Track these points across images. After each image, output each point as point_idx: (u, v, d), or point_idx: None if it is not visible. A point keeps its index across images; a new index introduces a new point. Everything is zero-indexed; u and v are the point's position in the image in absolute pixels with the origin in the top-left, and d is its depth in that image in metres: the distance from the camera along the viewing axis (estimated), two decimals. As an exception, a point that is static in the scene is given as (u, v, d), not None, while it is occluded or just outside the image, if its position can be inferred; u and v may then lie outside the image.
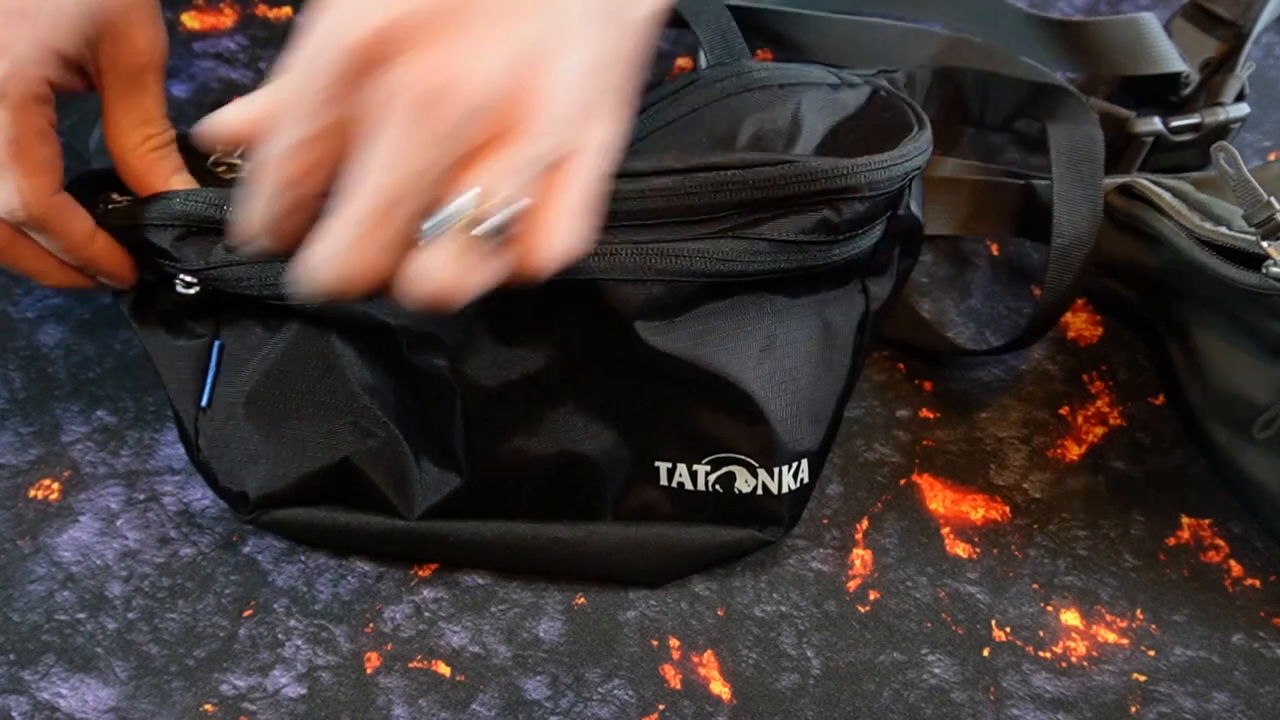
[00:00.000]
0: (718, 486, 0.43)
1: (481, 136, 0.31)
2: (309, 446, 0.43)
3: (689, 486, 0.43)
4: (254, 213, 0.34)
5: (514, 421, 0.42)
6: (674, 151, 0.41)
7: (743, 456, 0.42)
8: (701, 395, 0.41)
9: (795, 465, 0.42)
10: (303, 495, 0.43)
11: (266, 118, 0.33)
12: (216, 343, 0.43)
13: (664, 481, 0.43)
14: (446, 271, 0.31)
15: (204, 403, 0.43)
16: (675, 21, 0.50)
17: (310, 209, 0.33)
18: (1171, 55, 0.56)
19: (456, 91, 0.31)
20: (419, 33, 0.31)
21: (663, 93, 0.45)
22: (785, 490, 0.43)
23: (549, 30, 0.32)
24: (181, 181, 0.42)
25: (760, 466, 0.42)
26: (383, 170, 0.31)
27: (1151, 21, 0.55)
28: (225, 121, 0.34)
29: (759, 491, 0.43)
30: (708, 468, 0.42)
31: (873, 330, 0.44)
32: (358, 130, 0.31)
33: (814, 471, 0.43)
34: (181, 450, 0.47)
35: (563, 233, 0.32)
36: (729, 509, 0.43)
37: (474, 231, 0.31)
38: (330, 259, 0.32)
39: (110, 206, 0.42)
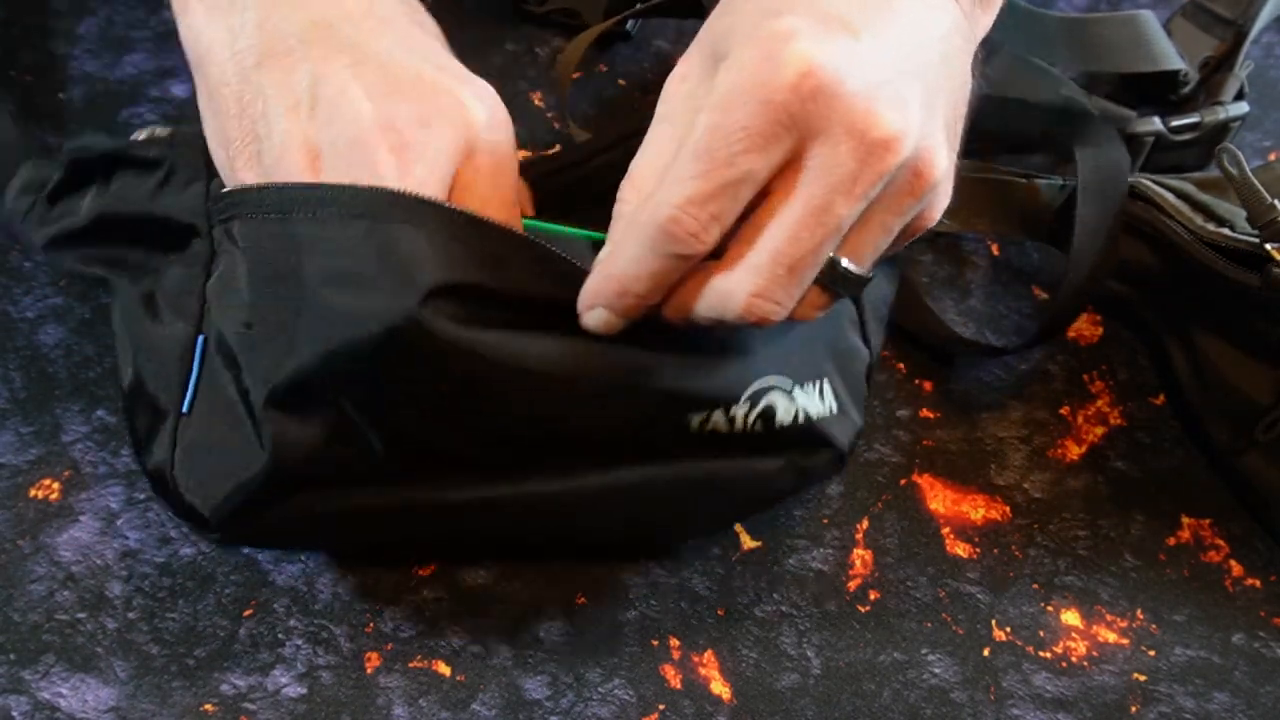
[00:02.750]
0: (758, 425, 0.39)
1: (889, 191, 0.33)
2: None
3: (724, 430, 0.39)
4: (637, 270, 0.34)
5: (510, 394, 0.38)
6: None
7: (777, 376, 0.39)
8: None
9: (820, 383, 0.40)
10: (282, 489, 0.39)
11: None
12: (200, 337, 0.40)
13: (695, 430, 0.39)
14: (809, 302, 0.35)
15: (185, 408, 0.40)
16: (692, 11, 0.50)
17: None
18: (1170, 53, 0.56)
19: (895, 144, 0.32)
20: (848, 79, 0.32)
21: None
22: (828, 414, 0.40)
23: (931, 85, 0.34)
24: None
25: (795, 383, 0.39)
26: (837, 205, 0.32)
27: (1150, 19, 0.55)
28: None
29: (800, 420, 0.39)
30: (745, 406, 0.39)
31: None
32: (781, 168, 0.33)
33: (849, 406, 0.41)
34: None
35: None
36: (769, 445, 0.40)
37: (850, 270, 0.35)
38: (774, 302, 0.33)
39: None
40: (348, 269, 0.36)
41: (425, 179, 0.36)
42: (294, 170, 0.37)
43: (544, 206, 0.43)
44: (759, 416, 0.39)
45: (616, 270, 0.35)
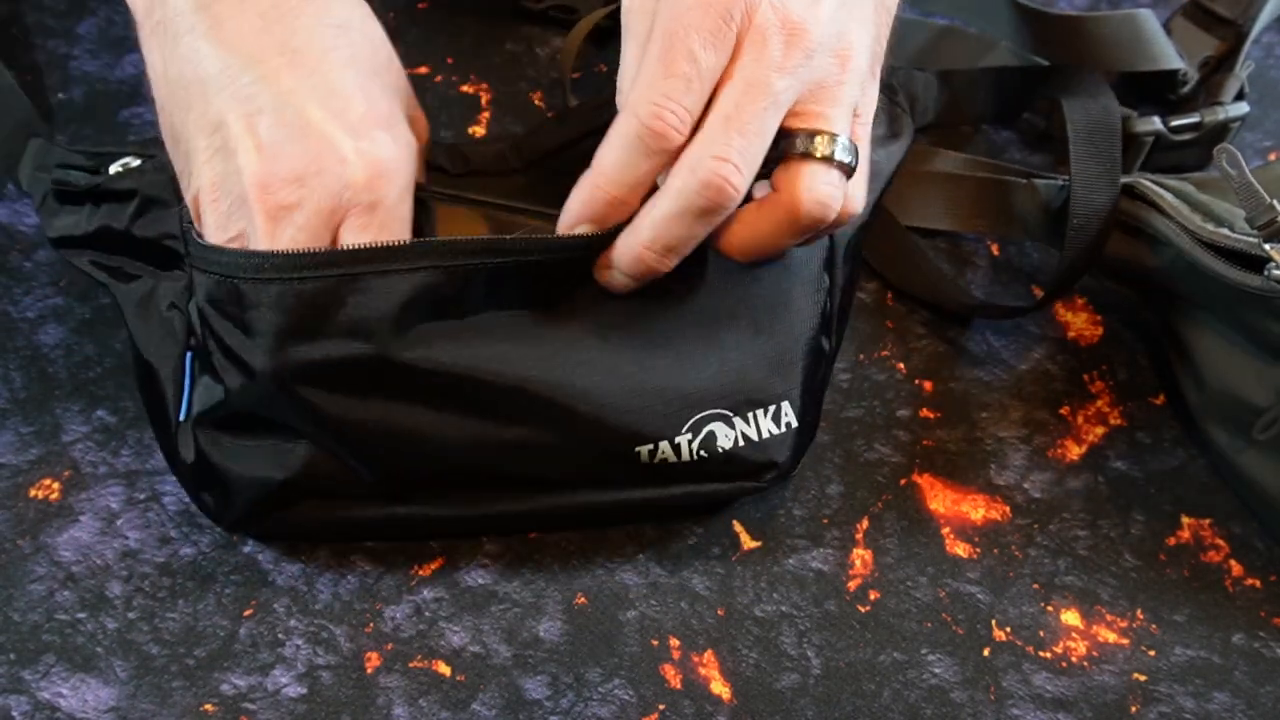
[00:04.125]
0: (702, 452, 0.42)
1: (820, 73, 0.39)
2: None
3: (672, 460, 0.42)
4: (623, 174, 0.39)
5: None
6: None
7: (718, 410, 0.42)
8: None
9: (773, 409, 0.43)
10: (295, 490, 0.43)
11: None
12: (189, 354, 0.43)
13: (645, 461, 0.42)
14: (835, 190, 0.39)
15: (181, 417, 0.43)
16: None
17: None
18: (1169, 52, 0.56)
19: (814, 24, 0.38)
20: None
21: None
22: (767, 435, 0.43)
23: (857, 10, 0.40)
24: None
25: (735, 415, 0.42)
26: (771, 78, 0.38)
27: (1149, 18, 0.55)
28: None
29: (740, 443, 0.43)
30: (689, 435, 0.42)
31: (853, 261, 0.46)
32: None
33: (804, 413, 0.44)
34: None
35: (855, 199, 0.41)
36: (716, 473, 0.43)
37: (840, 158, 0.39)
38: (730, 161, 0.37)
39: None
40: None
41: (295, 240, 0.39)
42: (208, 210, 0.40)
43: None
44: (701, 445, 0.42)
45: (606, 179, 0.39)
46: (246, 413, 0.41)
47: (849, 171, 0.40)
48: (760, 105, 0.38)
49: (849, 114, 0.40)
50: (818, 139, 0.39)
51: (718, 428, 0.42)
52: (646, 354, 0.42)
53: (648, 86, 0.38)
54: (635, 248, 0.40)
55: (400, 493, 0.43)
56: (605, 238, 0.40)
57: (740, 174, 0.38)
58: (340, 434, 0.41)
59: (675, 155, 0.38)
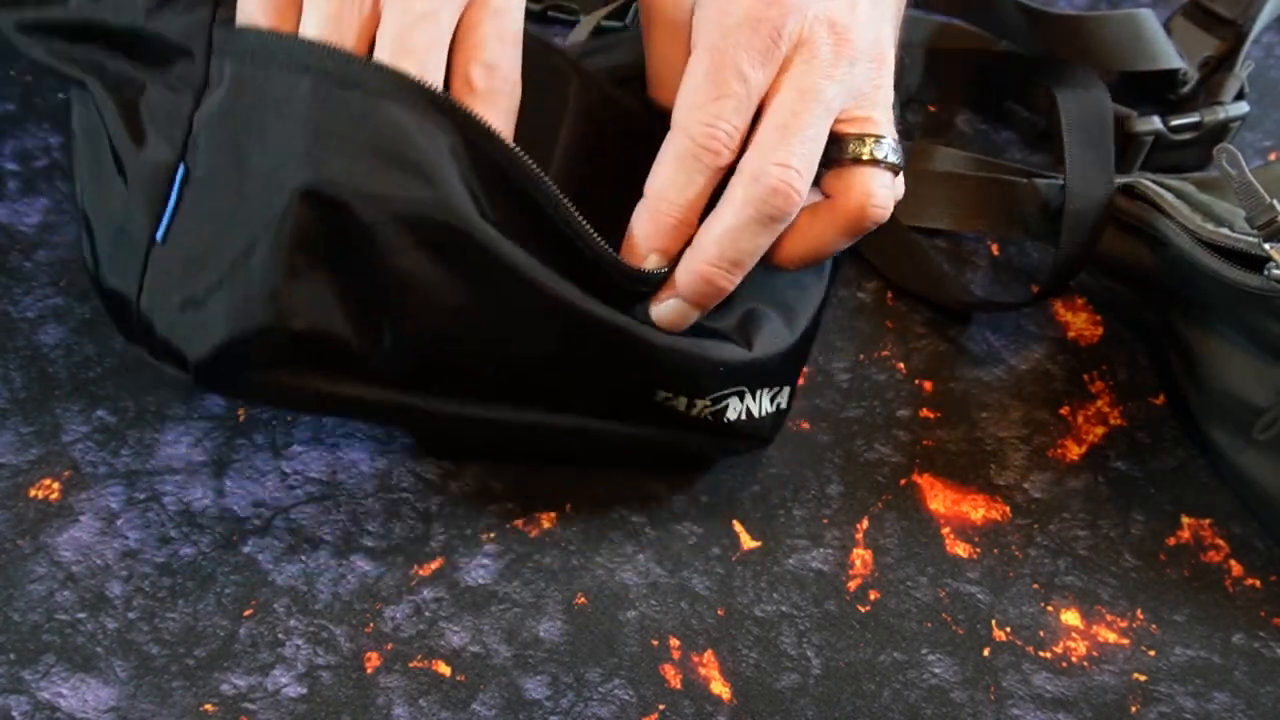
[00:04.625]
0: (709, 416, 0.43)
1: (864, 77, 0.39)
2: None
3: (680, 410, 0.43)
4: (683, 194, 0.39)
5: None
6: None
7: (740, 388, 0.43)
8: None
9: (775, 390, 0.44)
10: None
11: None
12: (181, 167, 0.37)
13: (658, 401, 0.42)
14: (889, 192, 0.40)
15: (160, 237, 0.38)
16: None
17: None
18: (1169, 52, 0.56)
19: (856, 30, 0.39)
20: None
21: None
22: (764, 414, 0.44)
23: (881, 8, 0.40)
24: None
25: (749, 393, 0.43)
26: (822, 85, 0.38)
27: (1149, 17, 0.55)
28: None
29: (743, 417, 0.43)
30: (708, 402, 0.43)
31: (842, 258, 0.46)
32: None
33: (791, 396, 0.45)
34: (183, 450, 0.47)
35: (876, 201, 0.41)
36: (708, 430, 0.44)
37: (890, 160, 0.40)
38: (792, 168, 0.38)
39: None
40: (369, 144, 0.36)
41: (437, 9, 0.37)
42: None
43: None
44: (712, 412, 0.43)
45: (668, 201, 0.39)
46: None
47: (897, 171, 0.40)
48: (814, 113, 0.38)
49: (890, 115, 0.41)
50: (868, 142, 0.39)
51: (732, 401, 0.43)
52: (697, 328, 0.42)
53: (699, 107, 0.38)
54: (701, 267, 0.39)
55: (404, 376, 0.40)
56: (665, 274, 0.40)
57: (802, 179, 0.38)
58: (382, 283, 0.37)
59: (722, 173, 0.39)
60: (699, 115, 0.38)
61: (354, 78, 0.36)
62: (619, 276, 0.40)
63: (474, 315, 0.38)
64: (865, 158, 0.39)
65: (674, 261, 0.40)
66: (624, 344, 0.40)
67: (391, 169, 0.36)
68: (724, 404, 0.43)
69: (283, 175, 0.36)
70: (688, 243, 0.40)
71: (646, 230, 0.39)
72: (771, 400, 0.44)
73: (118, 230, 0.39)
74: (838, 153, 0.40)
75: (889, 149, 0.40)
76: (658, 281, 0.40)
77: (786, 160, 0.38)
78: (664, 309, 0.40)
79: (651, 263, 0.40)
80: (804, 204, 0.39)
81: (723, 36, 0.38)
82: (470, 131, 0.37)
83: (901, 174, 0.42)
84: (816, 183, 0.40)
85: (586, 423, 0.43)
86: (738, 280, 0.40)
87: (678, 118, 0.39)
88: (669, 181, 0.39)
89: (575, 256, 0.39)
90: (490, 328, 0.39)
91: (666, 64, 0.41)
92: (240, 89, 0.37)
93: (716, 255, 0.39)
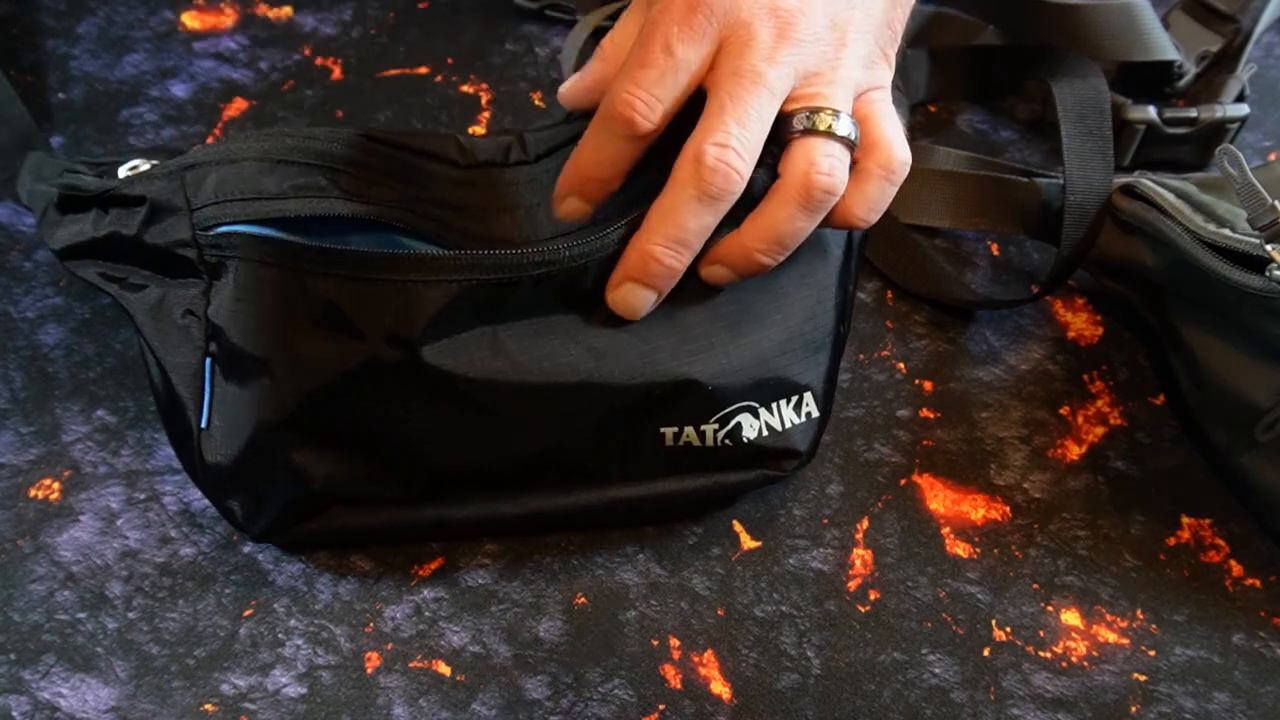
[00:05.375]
0: (727, 441, 0.43)
1: (814, 60, 0.40)
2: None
3: (696, 444, 0.43)
4: (595, 154, 0.41)
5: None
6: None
7: (746, 403, 0.43)
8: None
9: (796, 399, 0.43)
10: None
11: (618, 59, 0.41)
12: (208, 360, 0.42)
13: (670, 443, 0.43)
14: (836, 162, 0.39)
15: (204, 423, 0.42)
16: None
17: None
18: (1165, 43, 0.56)
19: (804, 15, 0.39)
20: None
21: None
22: (790, 425, 0.43)
23: None
24: None
25: (761, 406, 0.43)
26: (760, 68, 0.39)
27: (1145, 7, 0.55)
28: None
29: (764, 433, 0.43)
30: (715, 425, 0.43)
31: (859, 252, 0.46)
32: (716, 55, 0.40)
33: (824, 401, 0.44)
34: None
35: (898, 144, 0.41)
36: (740, 460, 0.44)
37: (840, 131, 0.39)
38: (729, 147, 0.38)
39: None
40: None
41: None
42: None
43: None
44: (726, 435, 0.43)
45: (581, 158, 0.41)
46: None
47: (850, 145, 0.40)
48: (753, 93, 0.39)
49: (849, 93, 0.41)
50: (817, 115, 0.40)
51: (744, 419, 0.43)
52: (682, 345, 0.42)
53: (623, 75, 0.40)
54: (646, 245, 0.40)
55: (428, 495, 0.43)
56: (609, 239, 0.41)
57: (741, 159, 0.39)
58: (371, 438, 0.41)
59: (646, 141, 0.40)
60: (619, 82, 0.40)
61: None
62: (546, 231, 0.42)
63: (447, 426, 0.42)
64: (809, 129, 0.40)
65: (596, 216, 0.42)
66: (594, 387, 0.41)
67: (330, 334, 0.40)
68: (734, 422, 0.43)
69: (260, 348, 0.41)
70: (607, 193, 0.41)
71: (564, 178, 0.42)
72: (797, 409, 0.44)
73: (181, 421, 0.43)
74: (785, 131, 0.40)
75: (834, 120, 0.40)
76: (591, 253, 0.41)
77: (724, 141, 0.38)
78: (618, 294, 0.41)
79: (569, 205, 0.42)
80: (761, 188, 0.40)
81: (658, 13, 0.39)
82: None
83: (898, 129, 0.42)
84: (774, 164, 0.41)
85: (620, 493, 0.44)
86: (685, 259, 0.40)
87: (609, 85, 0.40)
88: (587, 141, 0.41)
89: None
90: (471, 441, 0.42)
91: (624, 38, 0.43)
92: (238, 284, 0.41)
93: (660, 234, 0.40)
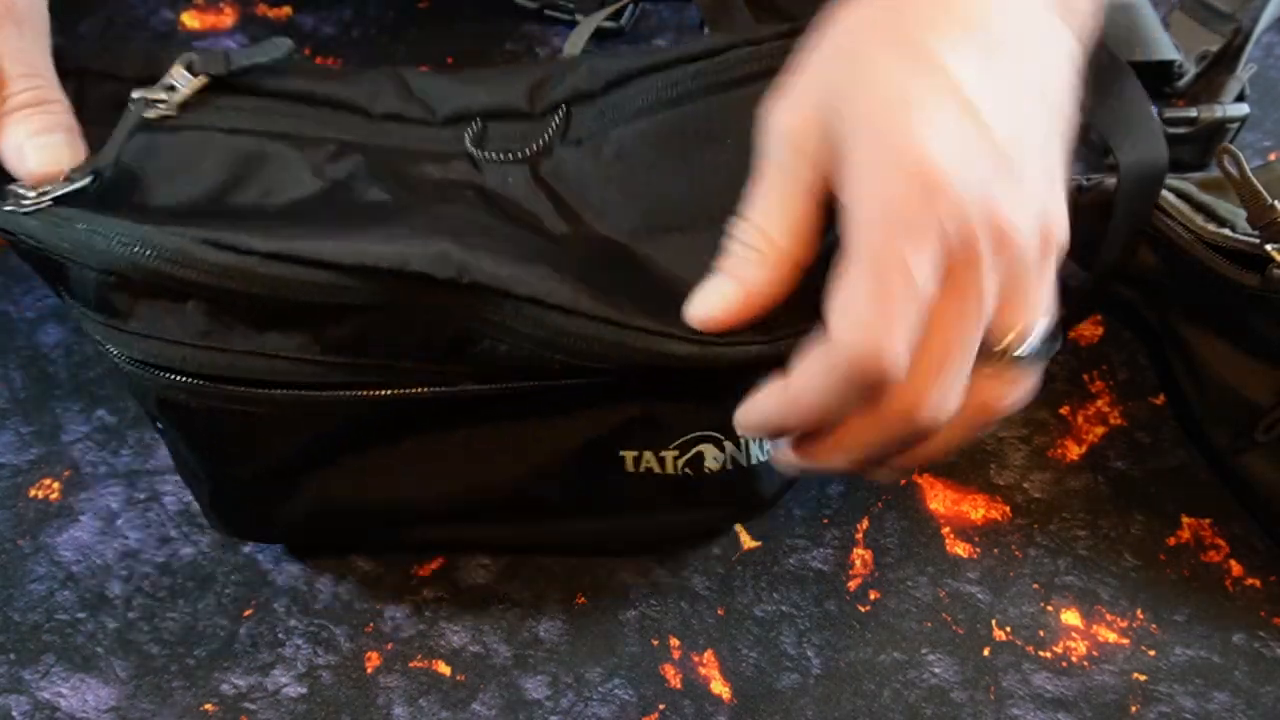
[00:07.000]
0: (688, 470, 0.41)
1: (1022, 265, 0.33)
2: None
3: (657, 470, 0.41)
4: (823, 406, 0.33)
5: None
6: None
7: (709, 431, 0.40)
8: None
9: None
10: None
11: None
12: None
13: (629, 469, 0.41)
14: (1016, 389, 0.34)
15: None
16: None
17: None
18: (1164, 43, 0.56)
19: (1015, 236, 0.32)
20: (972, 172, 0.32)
21: (660, 59, 0.41)
22: (755, 462, 0.41)
23: (1052, 156, 0.34)
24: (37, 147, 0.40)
25: (726, 439, 0.40)
26: (985, 301, 0.32)
27: (1145, 7, 0.55)
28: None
29: (728, 466, 0.41)
30: (676, 452, 0.40)
31: None
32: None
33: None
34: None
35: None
36: (697, 492, 0.42)
37: (1027, 353, 0.34)
38: (941, 401, 0.33)
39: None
40: None
41: None
42: None
43: None
44: (687, 463, 0.40)
45: (803, 400, 0.34)
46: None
47: (1041, 361, 0.35)
48: (970, 338, 0.33)
49: (1048, 292, 0.35)
50: (1009, 338, 0.34)
51: (706, 449, 0.40)
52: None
53: (864, 326, 0.32)
54: (831, 463, 0.36)
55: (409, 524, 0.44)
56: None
57: (948, 414, 0.34)
58: (331, 502, 0.42)
59: (878, 395, 0.33)
60: (863, 333, 0.32)
61: None
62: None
63: (428, 464, 0.41)
64: (1004, 353, 0.34)
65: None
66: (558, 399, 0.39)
67: None
68: (694, 451, 0.40)
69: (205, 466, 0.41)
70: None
71: (768, 411, 0.35)
72: (760, 445, 0.41)
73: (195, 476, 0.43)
74: (981, 348, 0.34)
75: (1030, 343, 0.34)
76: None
77: (940, 404, 0.33)
78: (781, 457, 0.37)
79: (782, 456, 0.37)
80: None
81: (883, 227, 0.32)
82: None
83: (1062, 204, 0.35)
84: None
85: (587, 525, 0.44)
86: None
87: (834, 323, 0.32)
88: (812, 389, 0.33)
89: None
90: (429, 494, 0.42)
91: (785, 205, 0.35)
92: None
93: (847, 462, 0.35)
